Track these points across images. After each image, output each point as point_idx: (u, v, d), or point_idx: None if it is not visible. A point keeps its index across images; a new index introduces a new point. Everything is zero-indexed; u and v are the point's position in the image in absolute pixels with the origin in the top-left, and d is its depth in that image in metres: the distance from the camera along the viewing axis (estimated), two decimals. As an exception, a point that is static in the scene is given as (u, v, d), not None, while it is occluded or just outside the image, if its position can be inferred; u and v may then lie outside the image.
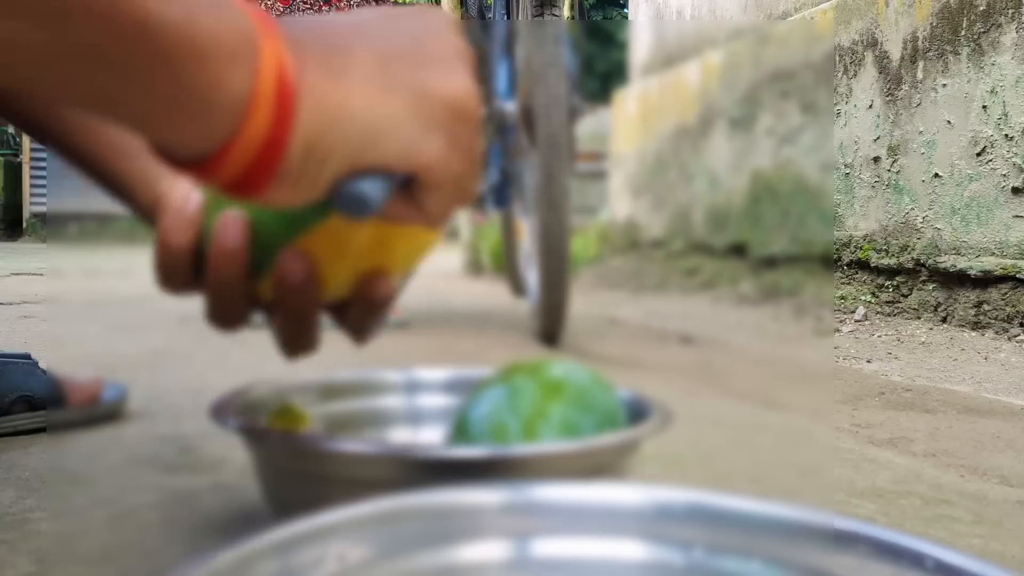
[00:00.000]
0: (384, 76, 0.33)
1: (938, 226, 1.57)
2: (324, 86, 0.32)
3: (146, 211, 0.48)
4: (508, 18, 1.60)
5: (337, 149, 0.32)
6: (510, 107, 1.71)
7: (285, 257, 0.38)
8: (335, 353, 0.58)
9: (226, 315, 0.40)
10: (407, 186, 0.35)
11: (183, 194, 0.44)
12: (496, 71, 1.79)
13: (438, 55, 0.35)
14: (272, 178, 0.31)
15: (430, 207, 0.36)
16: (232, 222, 0.38)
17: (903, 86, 1.66)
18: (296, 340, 0.40)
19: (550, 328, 1.38)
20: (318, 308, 0.40)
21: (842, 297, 1.75)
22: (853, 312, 1.66)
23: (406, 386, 0.63)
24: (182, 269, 0.40)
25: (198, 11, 0.28)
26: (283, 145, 0.31)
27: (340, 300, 0.41)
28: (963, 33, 1.52)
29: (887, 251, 1.69)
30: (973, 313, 1.48)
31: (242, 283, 0.39)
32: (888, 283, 1.68)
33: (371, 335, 0.42)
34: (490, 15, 1.82)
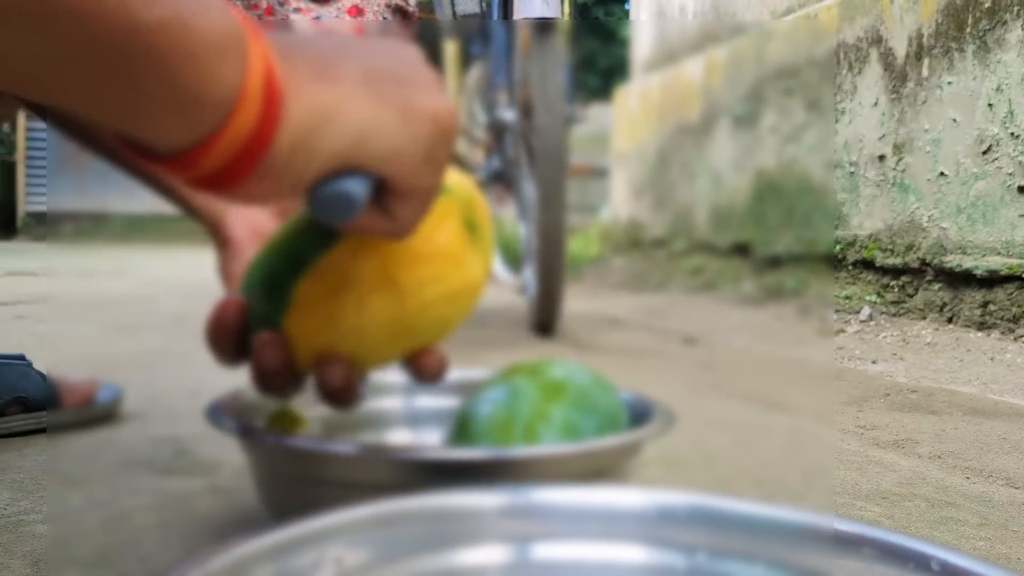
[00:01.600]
0: (372, 88, 0.35)
1: (944, 225, 1.56)
2: (314, 88, 0.33)
3: (208, 225, 0.52)
4: (506, 18, 1.64)
5: (326, 147, 0.33)
6: (509, 116, 1.77)
7: (323, 366, 0.41)
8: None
9: (272, 393, 0.43)
10: (377, 194, 0.36)
11: (240, 235, 0.48)
12: (495, 80, 1.86)
13: (419, 78, 0.37)
14: (252, 174, 0.32)
15: (401, 215, 0.37)
16: (271, 341, 0.40)
17: (908, 83, 1.65)
18: (342, 404, 0.43)
19: (545, 317, 1.48)
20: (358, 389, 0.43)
21: (847, 297, 1.74)
22: (858, 312, 1.66)
23: (405, 387, 0.62)
24: (230, 348, 0.42)
25: (186, 12, 0.28)
26: (268, 141, 0.31)
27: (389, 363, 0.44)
28: (968, 30, 1.51)
29: (892, 250, 1.68)
30: (979, 313, 1.47)
31: (286, 382, 0.42)
32: (893, 283, 1.68)
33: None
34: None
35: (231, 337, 0.42)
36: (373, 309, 0.40)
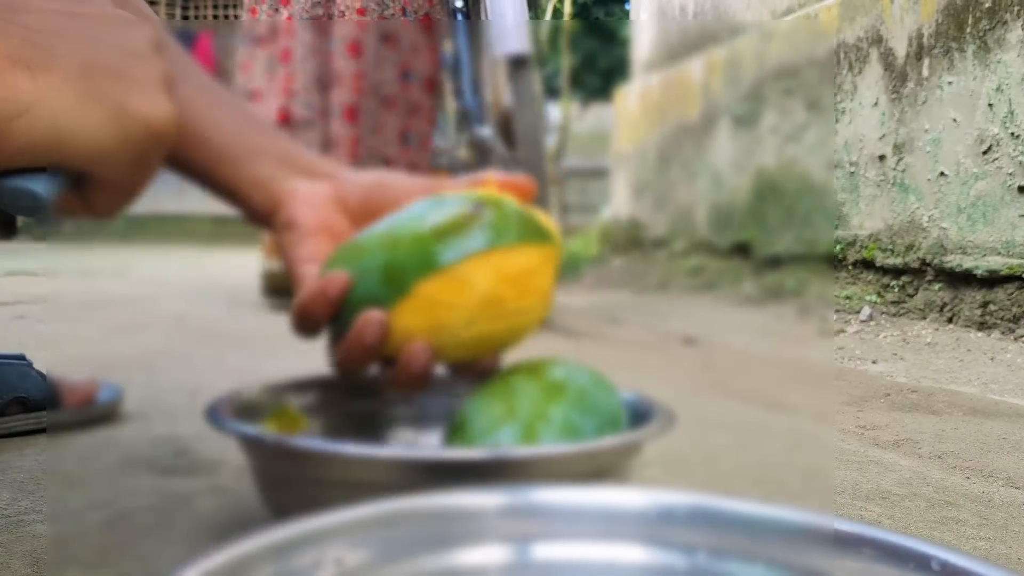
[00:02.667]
0: (85, 84, 0.33)
1: (944, 225, 1.56)
2: (15, 75, 0.31)
3: (259, 215, 0.52)
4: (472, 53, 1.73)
5: (19, 139, 0.32)
6: (487, 132, 1.82)
7: (410, 348, 0.44)
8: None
9: (352, 375, 0.46)
10: (77, 180, 0.36)
11: (310, 254, 0.49)
12: (466, 101, 1.92)
13: (141, 76, 0.35)
14: None
15: (99, 205, 0.37)
16: (380, 321, 0.43)
17: (908, 83, 1.65)
18: (411, 389, 0.46)
19: None
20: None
21: (847, 297, 1.74)
22: (858, 312, 1.65)
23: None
24: (323, 320, 0.45)
25: None
26: None
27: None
28: (969, 30, 1.51)
29: (892, 250, 1.68)
30: (979, 313, 1.47)
31: (369, 363, 0.45)
32: (894, 283, 1.68)
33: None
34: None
35: (329, 310, 0.44)
36: (477, 325, 0.45)
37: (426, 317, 0.45)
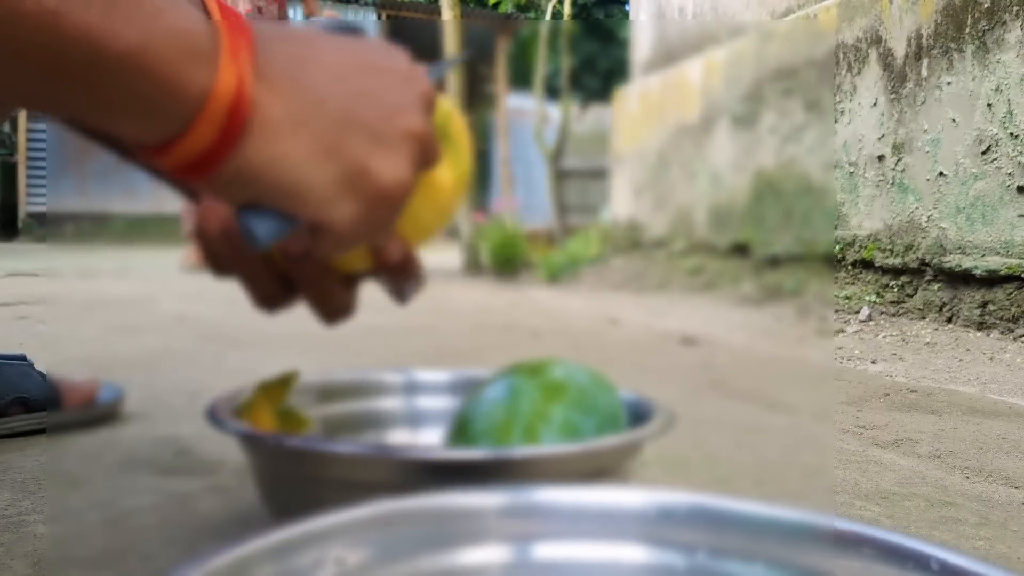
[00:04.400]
0: (333, 139, 0.35)
1: (943, 225, 1.56)
2: (277, 126, 0.33)
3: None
4: None
5: (258, 186, 0.34)
6: None
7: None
8: (333, 354, 0.57)
9: (270, 299, 0.43)
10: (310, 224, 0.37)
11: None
12: None
13: (393, 137, 0.36)
14: (211, 172, 0.33)
15: (326, 251, 0.38)
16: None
17: (907, 84, 1.66)
18: (334, 309, 0.43)
19: None
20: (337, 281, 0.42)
21: (847, 297, 1.74)
22: (857, 312, 1.66)
23: (405, 387, 0.62)
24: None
25: (154, 33, 0.29)
26: (220, 158, 0.33)
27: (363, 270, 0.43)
28: (967, 30, 1.51)
29: (892, 250, 1.68)
30: (978, 313, 1.47)
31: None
32: (893, 283, 1.68)
33: (409, 295, 0.44)
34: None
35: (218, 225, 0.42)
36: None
37: None
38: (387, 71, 0.37)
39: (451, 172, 0.44)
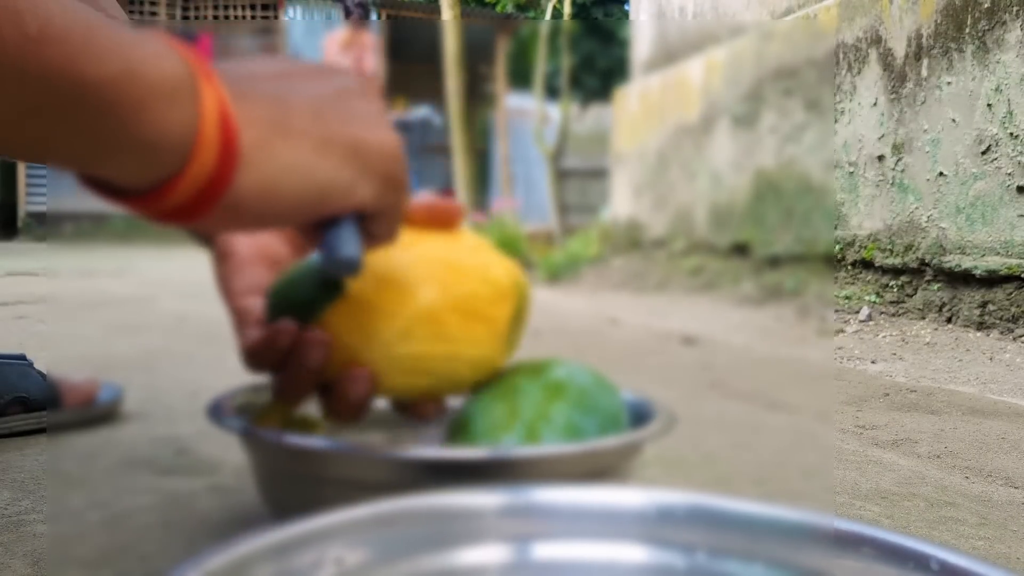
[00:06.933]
0: (320, 129, 0.36)
1: (943, 225, 1.56)
2: (277, 144, 0.34)
3: (203, 236, 0.51)
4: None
5: (291, 196, 0.35)
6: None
7: (348, 377, 0.43)
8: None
9: (292, 402, 0.45)
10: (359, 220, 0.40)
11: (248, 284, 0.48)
12: None
13: (362, 112, 0.38)
14: (212, 211, 0.33)
15: (378, 234, 0.41)
16: (318, 345, 0.42)
17: (907, 84, 1.66)
18: (346, 420, 0.45)
19: None
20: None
21: (847, 297, 1.74)
22: (857, 312, 1.66)
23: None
24: (274, 366, 0.45)
25: (136, 63, 0.29)
26: (227, 182, 0.33)
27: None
28: (967, 30, 1.51)
29: (892, 250, 1.68)
30: (978, 313, 1.47)
31: (312, 385, 0.44)
32: (893, 283, 1.68)
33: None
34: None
35: (279, 357, 0.44)
36: (414, 342, 0.43)
37: (359, 322, 0.42)
38: (310, 71, 0.39)
39: (498, 354, 0.47)
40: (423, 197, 0.47)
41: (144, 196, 0.32)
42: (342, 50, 4.44)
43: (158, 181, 0.32)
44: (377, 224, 0.40)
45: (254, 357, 0.44)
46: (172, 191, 0.32)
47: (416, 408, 0.47)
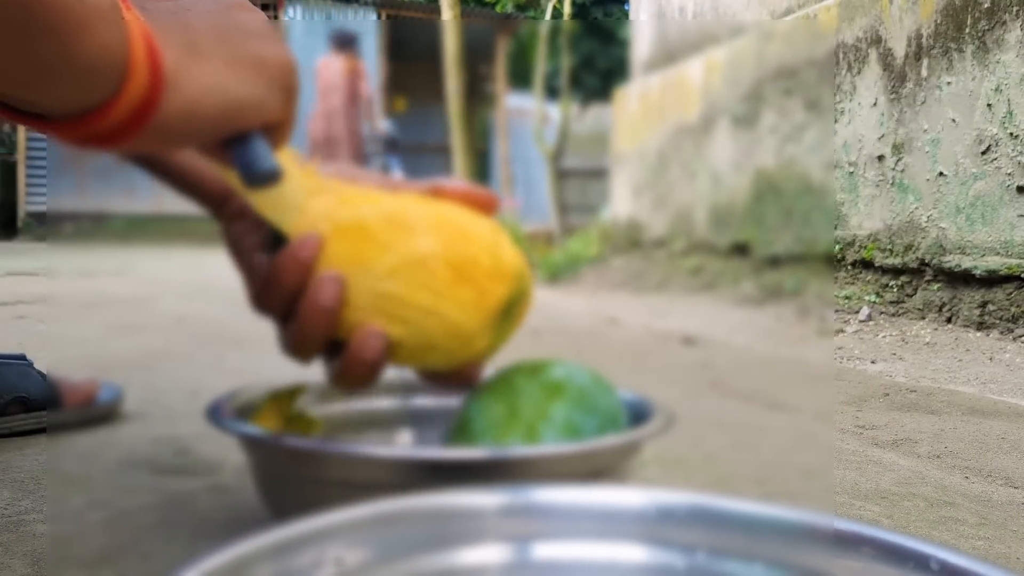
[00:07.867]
0: (226, 48, 0.38)
1: (943, 225, 1.56)
2: (194, 67, 0.36)
3: (210, 201, 0.51)
4: None
5: (210, 115, 0.37)
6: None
7: (361, 334, 0.42)
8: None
9: (304, 353, 0.44)
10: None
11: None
12: None
13: (254, 27, 0.40)
14: (138, 134, 0.35)
15: (278, 144, 0.43)
16: (330, 281, 0.42)
17: (907, 84, 1.66)
18: (357, 382, 0.44)
19: None
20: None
21: (846, 297, 1.74)
22: (857, 312, 1.66)
23: (405, 386, 0.62)
24: (281, 305, 0.44)
25: None
26: (155, 105, 0.34)
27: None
28: (967, 30, 1.51)
29: (891, 250, 1.68)
30: (978, 313, 1.47)
31: (329, 334, 0.43)
32: (893, 283, 1.68)
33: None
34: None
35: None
36: (396, 279, 0.43)
37: (357, 248, 0.43)
38: (224, 5, 0.41)
39: (489, 341, 0.46)
40: (460, 183, 0.48)
41: (73, 121, 0.33)
42: (338, 76, 4.51)
43: (90, 105, 0.33)
44: (278, 135, 0.42)
45: (262, 295, 0.44)
46: (106, 115, 0.33)
47: (450, 377, 0.47)
